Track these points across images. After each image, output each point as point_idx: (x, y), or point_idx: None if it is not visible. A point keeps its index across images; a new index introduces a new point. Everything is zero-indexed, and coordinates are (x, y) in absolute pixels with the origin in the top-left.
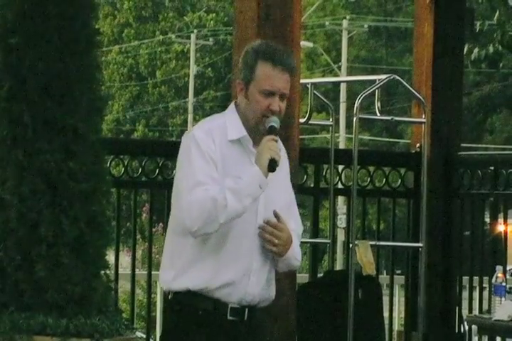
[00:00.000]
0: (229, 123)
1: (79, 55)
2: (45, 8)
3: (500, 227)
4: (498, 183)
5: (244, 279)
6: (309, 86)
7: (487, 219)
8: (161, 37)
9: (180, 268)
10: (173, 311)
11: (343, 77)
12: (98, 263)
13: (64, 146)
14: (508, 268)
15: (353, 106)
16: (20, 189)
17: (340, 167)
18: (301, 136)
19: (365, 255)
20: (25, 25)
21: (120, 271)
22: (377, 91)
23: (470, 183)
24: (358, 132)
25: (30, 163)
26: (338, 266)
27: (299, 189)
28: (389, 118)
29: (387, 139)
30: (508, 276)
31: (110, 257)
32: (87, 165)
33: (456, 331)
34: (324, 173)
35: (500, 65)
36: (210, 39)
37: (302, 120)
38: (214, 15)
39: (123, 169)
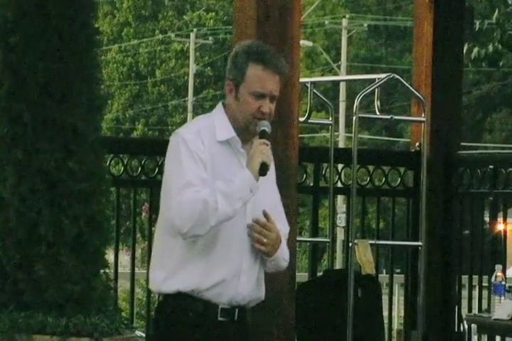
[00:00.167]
0: (217, 123)
1: (78, 54)
2: (44, 7)
3: (500, 226)
4: (498, 182)
5: (234, 279)
6: (309, 85)
7: (486, 218)
8: (160, 36)
9: (171, 270)
10: (163, 315)
11: (343, 76)
12: (97, 263)
13: (63, 145)
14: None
15: (353, 105)
16: (19, 188)
17: (340, 166)
18: (300, 135)
19: (364, 254)
20: (25, 24)
21: (120, 269)
22: (376, 90)
23: (469, 182)
24: (357, 131)
25: (29, 162)
26: (338, 265)
27: (299, 188)
28: (388, 117)
29: (387, 138)
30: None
31: (110, 256)
32: (86, 165)
33: (456, 330)
34: (324, 172)
35: (500, 64)
36: (210, 38)
37: (302, 119)
38: (213, 14)
39: (122, 168)
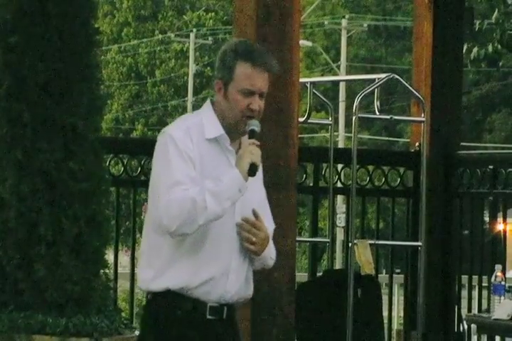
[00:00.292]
0: (206, 121)
1: (78, 54)
2: (44, 7)
3: (500, 226)
4: (498, 182)
5: (223, 278)
6: (308, 85)
7: (486, 218)
8: (160, 36)
9: (159, 269)
10: (151, 313)
11: (343, 76)
12: (97, 263)
13: (63, 145)
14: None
15: (352, 105)
16: (19, 188)
17: (340, 166)
18: (300, 135)
19: (364, 254)
20: (24, 24)
21: (119, 270)
22: (376, 90)
23: (469, 182)
24: (357, 131)
25: (29, 162)
26: (338, 265)
27: (298, 188)
28: (388, 117)
29: (387, 138)
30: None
31: (109, 256)
32: (86, 165)
33: (456, 330)
34: (323, 172)
35: (500, 64)
36: (210, 38)
37: (301, 119)
38: (213, 14)
39: (122, 168)
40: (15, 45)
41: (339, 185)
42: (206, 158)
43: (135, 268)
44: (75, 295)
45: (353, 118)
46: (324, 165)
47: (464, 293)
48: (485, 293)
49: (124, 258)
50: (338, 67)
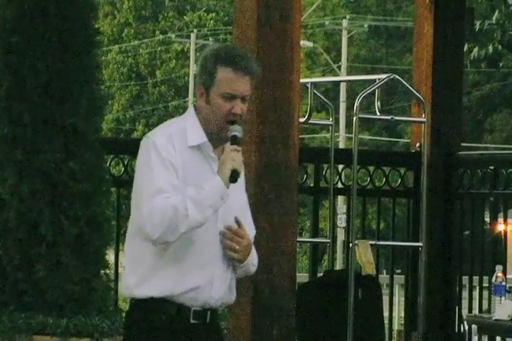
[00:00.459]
0: (189, 128)
1: (78, 54)
2: (44, 7)
3: (500, 227)
4: (498, 183)
5: (208, 285)
6: (309, 85)
7: (487, 219)
8: (160, 36)
9: (142, 276)
10: (135, 318)
11: (343, 77)
12: (98, 263)
13: (64, 146)
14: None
15: (353, 106)
16: (19, 189)
17: (340, 166)
18: (300, 136)
19: (364, 255)
20: (25, 24)
21: (120, 270)
22: (377, 90)
23: (470, 183)
24: (357, 131)
25: (29, 162)
26: (338, 265)
27: (299, 188)
28: (389, 117)
29: (387, 139)
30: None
31: (110, 257)
32: (86, 165)
33: (456, 330)
34: (324, 173)
35: (500, 64)
36: (210, 38)
37: (302, 119)
38: (214, 14)
39: (123, 168)
40: (15, 46)
41: (340, 185)
42: (189, 165)
43: None
44: (75, 295)
45: (354, 118)
46: (325, 165)
47: (465, 293)
48: (485, 293)
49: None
50: (339, 67)
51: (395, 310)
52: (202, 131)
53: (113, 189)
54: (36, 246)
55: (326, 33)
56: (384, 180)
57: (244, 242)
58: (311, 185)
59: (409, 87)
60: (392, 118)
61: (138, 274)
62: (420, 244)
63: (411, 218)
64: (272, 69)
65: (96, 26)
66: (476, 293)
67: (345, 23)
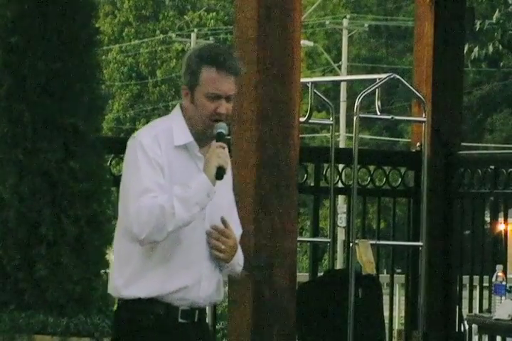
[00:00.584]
0: (175, 127)
1: (79, 54)
2: (45, 7)
3: (501, 226)
4: (499, 182)
5: (195, 285)
6: (309, 85)
7: (487, 219)
8: (161, 36)
9: (129, 277)
10: (123, 318)
11: (344, 76)
12: (98, 263)
13: (64, 145)
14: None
15: (353, 106)
16: (20, 188)
17: (341, 166)
18: (301, 135)
19: (365, 254)
20: (25, 24)
21: None
22: (377, 90)
23: (470, 182)
24: (358, 131)
25: (30, 162)
26: (339, 265)
27: (299, 188)
28: (389, 117)
29: (388, 138)
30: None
31: (110, 256)
32: (87, 165)
33: (457, 330)
34: (324, 172)
35: (501, 64)
36: (211, 38)
37: (302, 119)
38: (214, 14)
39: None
40: (15, 45)
41: (340, 185)
42: (175, 165)
43: None
44: (75, 295)
45: (354, 118)
46: (325, 165)
47: (465, 293)
48: (486, 293)
49: None
50: (339, 67)
51: (395, 310)
52: (188, 130)
53: (113, 188)
54: (36, 246)
55: (327, 33)
56: (384, 179)
57: (230, 242)
58: (312, 184)
59: (409, 86)
60: (392, 117)
61: (125, 275)
62: (420, 243)
63: (411, 218)
64: (273, 69)
65: (96, 26)
66: (476, 293)
67: (345, 22)
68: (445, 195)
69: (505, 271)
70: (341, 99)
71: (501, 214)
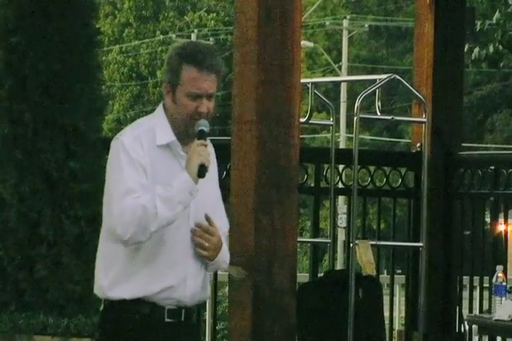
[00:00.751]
0: (157, 127)
1: (79, 54)
2: (45, 7)
3: (501, 227)
4: (499, 183)
5: (181, 284)
6: (310, 85)
7: (487, 219)
8: (161, 36)
9: (114, 279)
10: (109, 318)
11: (344, 77)
12: None
13: (64, 146)
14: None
15: (354, 106)
16: (20, 188)
17: (341, 166)
18: (301, 136)
19: (365, 255)
20: (26, 24)
21: None
22: (377, 90)
23: (470, 183)
24: (358, 132)
25: (30, 162)
26: (339, 265)
27: (300, 189)
28: (389, 117)
29: (388, 139)
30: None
31: None
32: (87, 165)
33: (457, 331)
34: (325, 173)
35: (501, 64)
36: (211, 39)
37: (302, 119)
38: (214, 14)
39: None
40: (16, 46)
41: (340, 185)
42: (158, 164)
43: None
44: (76, 295)
45: (354, 118)
46: (325, 165)
47: (465, 293)
48: (486, 293)
49: None
50: (340, 67)
51: (395, 310)
52: (170, 129)
53: None
54: (37, 246)
55: (327, 33)
56: (384, 180)
57: (213, 240)
58: (312, 185)
59: (409, 87)
60: (392, 118)
61: (110, 276)
62: (421, 244)
63: (411, 218)
64: (273, 70)
65: (96, 26)
66: (476, 293)
67: (345, 23)
68: (445, 195)
69: (505, 272)
70: (341, 100)
71: (501, 214)
